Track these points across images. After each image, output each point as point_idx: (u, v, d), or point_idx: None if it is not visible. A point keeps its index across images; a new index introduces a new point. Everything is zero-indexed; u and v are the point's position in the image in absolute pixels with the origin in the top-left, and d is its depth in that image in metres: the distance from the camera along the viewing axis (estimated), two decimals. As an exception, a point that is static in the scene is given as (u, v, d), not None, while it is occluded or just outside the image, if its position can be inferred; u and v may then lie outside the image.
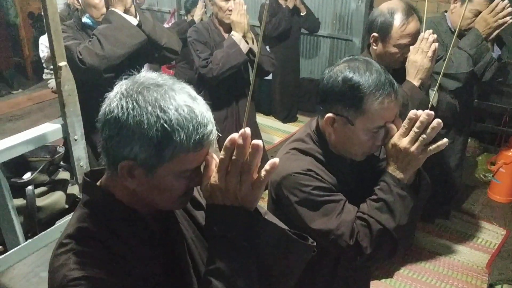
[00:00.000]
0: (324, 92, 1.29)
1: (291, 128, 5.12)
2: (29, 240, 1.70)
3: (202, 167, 0.88)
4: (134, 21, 2.44)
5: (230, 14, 2.92)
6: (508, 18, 2.36)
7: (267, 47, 4.75)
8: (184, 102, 0.80)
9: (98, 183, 0.91)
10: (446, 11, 2.77)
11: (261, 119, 5.13)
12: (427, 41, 1.84)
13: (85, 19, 2.52)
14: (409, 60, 1.91)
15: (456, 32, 1.55)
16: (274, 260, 0.87)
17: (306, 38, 5.48)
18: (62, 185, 1.84)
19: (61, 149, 1.88)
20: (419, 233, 3.11)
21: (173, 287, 0.91)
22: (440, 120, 1.17)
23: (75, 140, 1.67)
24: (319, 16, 5.06)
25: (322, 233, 1.27)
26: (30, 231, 1.77)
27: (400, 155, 1.22)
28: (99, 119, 0.84)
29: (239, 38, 2.99)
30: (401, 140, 1.22)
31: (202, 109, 0.83)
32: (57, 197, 1.79)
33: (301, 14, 4.77)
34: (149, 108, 0.78)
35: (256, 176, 0.82)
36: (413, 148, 1.20)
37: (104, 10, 2.46)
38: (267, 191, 1.48)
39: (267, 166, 0.81)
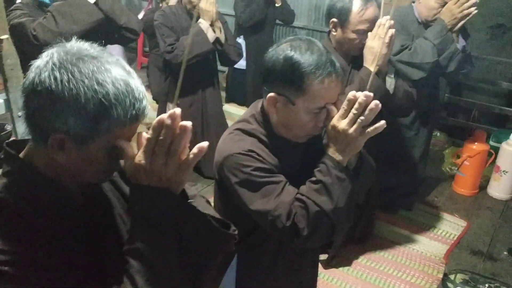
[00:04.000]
0: (266, 71, 1.28)
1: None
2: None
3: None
4: (92, -1, 2.38)
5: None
6: (472, 9, 2.38)
7: (242, 37, 4.72)
8: (120, 75, 0.80)
9: (21, 155, 0.88)
10: (413, 2, 2.78)
11: (234, 109, 5.10)
12: (384, 27, 1.84)
13: (42, -3, 2.45)
14: (366, 46, 1.92)
15: (389, 9, 1.54)
16: (194, 245, 0.86)
17: (281, 29, 5.45)
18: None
19: (9, 127, 1.84)
20: (381, 223, 3.13)
21: (94, 262, 0.89)
22: (378, 102, 1.16)
23: (19, 116, 1.62)
24: (295, 7, 5.01)
25: (261, 214, 1.26)
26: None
27: (339, 137, 1.21)
28: (24, 88, 0.80)
29: (206, 27, 2.96)
30: (340, 121, 1.20)
31: (137, 83, 0.83)
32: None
33: (276, 5, 4.72)
34: (86, 81, 0.77)
35: (184, 158, 0.81)
36: (351, 130, 1.18)
37: None
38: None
39: (194, 150, 0.80)
